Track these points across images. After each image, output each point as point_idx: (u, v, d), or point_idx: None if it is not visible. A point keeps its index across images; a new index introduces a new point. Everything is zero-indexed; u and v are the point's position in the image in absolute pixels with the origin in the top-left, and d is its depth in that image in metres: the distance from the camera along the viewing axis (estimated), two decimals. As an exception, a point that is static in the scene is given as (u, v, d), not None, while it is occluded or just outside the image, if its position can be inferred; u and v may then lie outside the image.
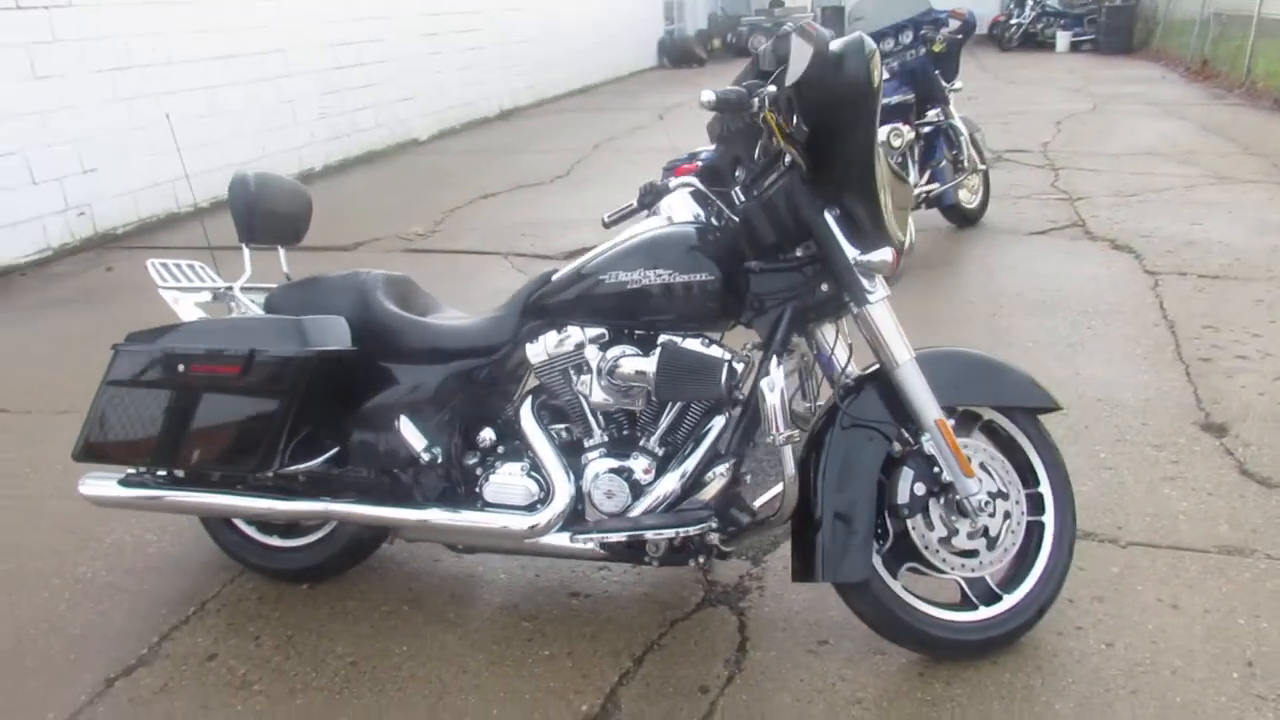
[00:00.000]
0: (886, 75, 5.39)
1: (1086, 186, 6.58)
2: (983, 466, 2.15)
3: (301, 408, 2.24)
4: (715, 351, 2.11)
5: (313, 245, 6.25)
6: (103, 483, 2.41)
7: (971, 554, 2.12)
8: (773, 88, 1.98)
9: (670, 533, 2.10)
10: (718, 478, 2.13)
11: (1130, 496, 2.78)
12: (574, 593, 2.47)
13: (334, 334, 2.25)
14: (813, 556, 2.03)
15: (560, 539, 2.17)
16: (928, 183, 5.40)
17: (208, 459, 2.26)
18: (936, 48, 5.37)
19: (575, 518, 2.22)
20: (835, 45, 1.89)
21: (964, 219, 5.73)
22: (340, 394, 2.33)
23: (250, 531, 2.55)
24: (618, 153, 8.99)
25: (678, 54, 17.55)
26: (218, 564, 2.63)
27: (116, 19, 6.48)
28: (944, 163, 5.43)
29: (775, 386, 1.96)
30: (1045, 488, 2.22)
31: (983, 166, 5.68)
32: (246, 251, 2.53)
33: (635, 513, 2.16)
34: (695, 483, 2.17)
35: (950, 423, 2.08)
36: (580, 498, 2.21)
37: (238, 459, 2.24)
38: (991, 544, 2.13)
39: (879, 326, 2.06)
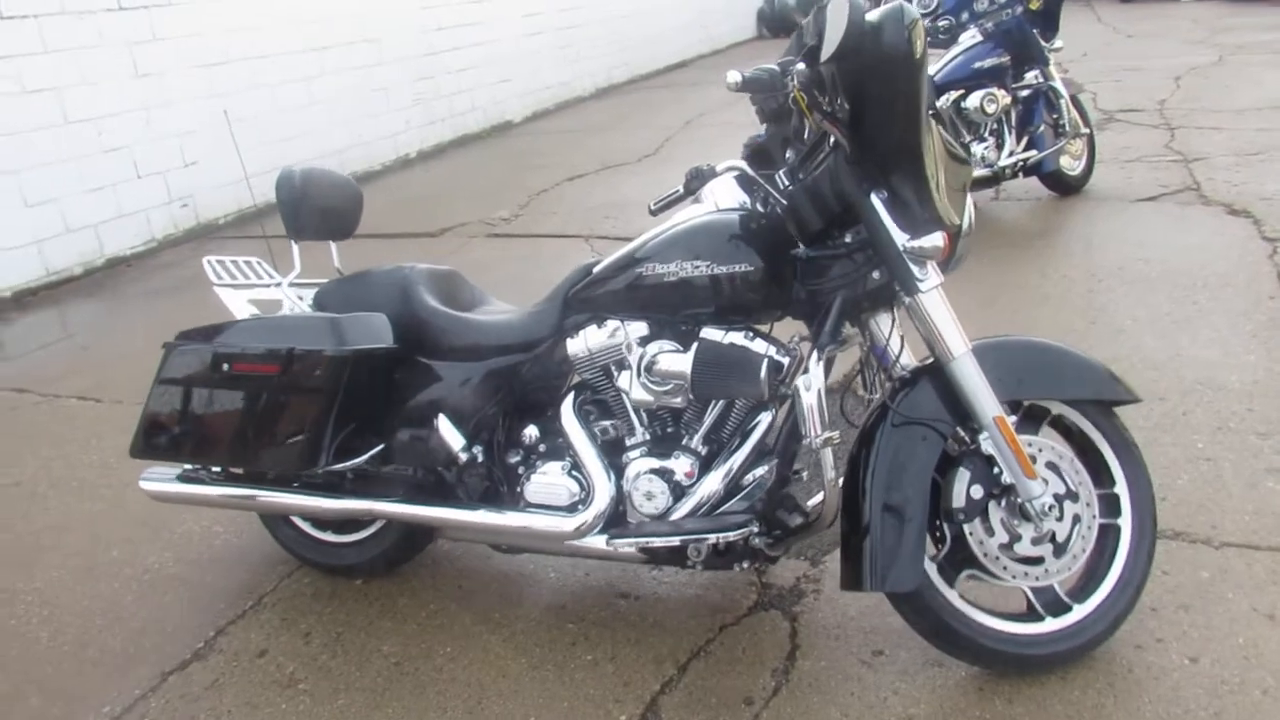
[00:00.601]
0: (979, 37, 5.11)
1: (1204, 146, 6.12)
2: (1050, 466, 1.98)
3: (344, 405, 2.24)
4: (757, 346, 2.01)
5: (400, 233, 6.39)
6: (162, 478, 2.46)
7: (1036, 561, 1.97)
8: (804, 65, 1.84)
9: (710, 538, 2.01)
10: (760, 479, 2.03)
11: (1229, 492, 2.55)
12: (623, 594, 2.41)
13: (372, 332, 2.23)
14: (860, 563, 1.91)
15: (598, 542, 2.11)
16: (1025, 149, 5.10)
17: (253, 457, 2.28)
18: (1034, 5, 5.05)
19: (617, 519, 2.15)
20: (873, 14, 1.75)
21: (1066, 187, 5.40)
22: (384, 391, 2.32)
23: (305, 527, 2.57)
24: (708, 129, 8.82)
25: (777, 23, 17.10)
26: (278, 557, 2.66)
27: (214, 15, 6.66)
28: (1042, 128, 5.11)
29: (811, 385, 1.84)
30: (1121, 488, 2.04)
31: (1085, 130, 5.33)
32: (295, 247, 2.53)
33: (677, 515, 2.08)
34: (739, 484, 2.08)
35: (1012, 419, 1.93)
36: (621, 498, 2.14)
37: (282, 457, 2.25)
38: (1059, 550, 1.97)
39: (932, 317, 1.91)
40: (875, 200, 1.89)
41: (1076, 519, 1.98)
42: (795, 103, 1.86)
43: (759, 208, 2.09)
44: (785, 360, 2.00)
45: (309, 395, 2.18)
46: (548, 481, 2.21)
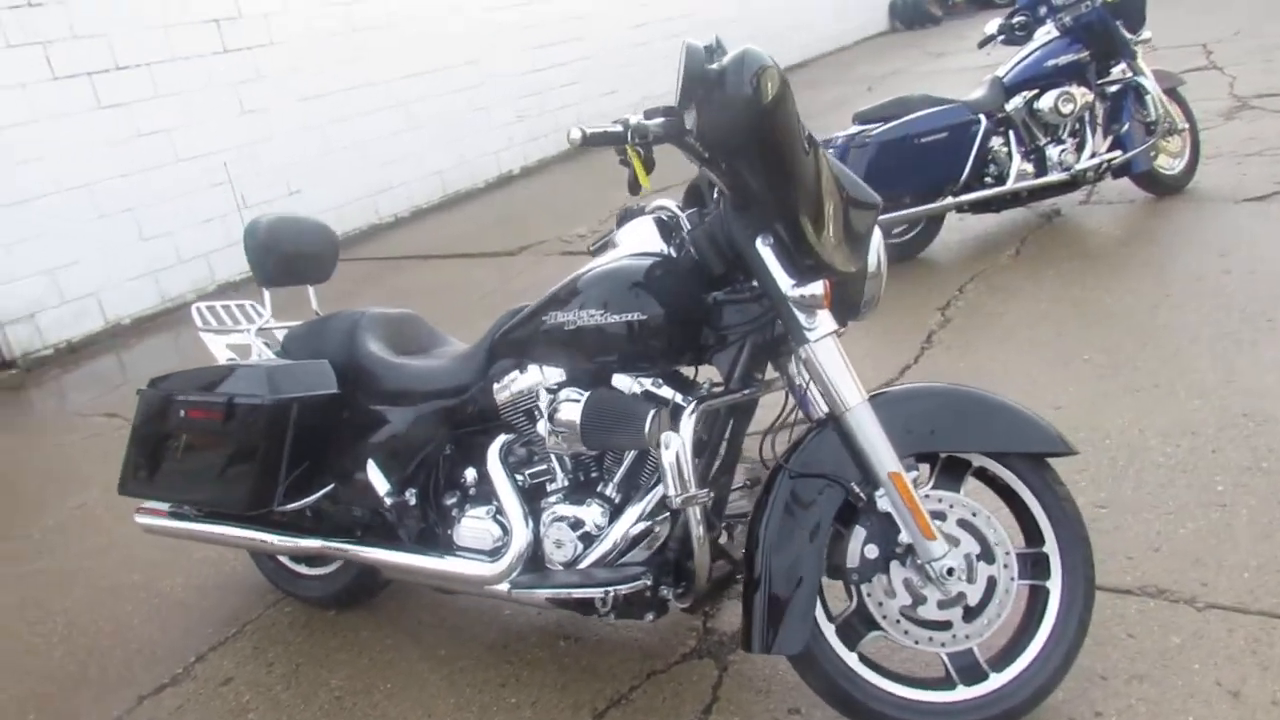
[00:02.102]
0: (1055, 32, 4.80)
1: (1340, 136, 5.53)
2: (962, 524, 1.86)
3: (293, 447, 2.33)
4: (641, 400, 1.96)
5: (479, 252, 6.58)
6: (153, 514, 2.63)
7: (942, 626, 1.84)
8: (635, 117, 1.80)
9: (596, 592, 1.98)
10: (657, 532, 1.99)
11: (1235, 544, 2.30)
12: (566, 635, 2.41)
13: (310, 380, 2.32)
14: (751, 622, 1.84)
15: (504, 589, 2.11)
16: (1110, 149, 4.75)
17: (211, 496, 2.41)
18: (1114, -4, 4.71)
19: (536, 564, 2.15)
20: (724, 61, 1.69)
21: (1163, 187, 4.99)
22: (332, 433, 2.40)
23: (284, 560, 2.70)
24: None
25: (910, 14, 16.53)
26: (269, 586, 2.80)
27: (314, 51, 7.05)
28: (1130, 126, 4.75)
29: (671, 444, 1.79)
30: (1051, 547, 1.88)
31: (1184, 126, 4.92)
32: (267, 294, 2.66)
33: (586, 563, 2.06)
34: (646, 533, 2.04)
35: (913, 475, 1.82)
36: (539, 544, 2.14)
37: (236, 496, 2.36)
38: (970, 614, 1.84)
39: (823, 367, 1.82)
40: (761, 246, 1.83)
41: (992, 581, 1.84)
42: (628, 160, 1.81)
43: (672, 252, 2.05)
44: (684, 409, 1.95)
45: (252, 440, 2.29)
46: (474, 525, 2.23)
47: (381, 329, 2.47)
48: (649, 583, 1.96)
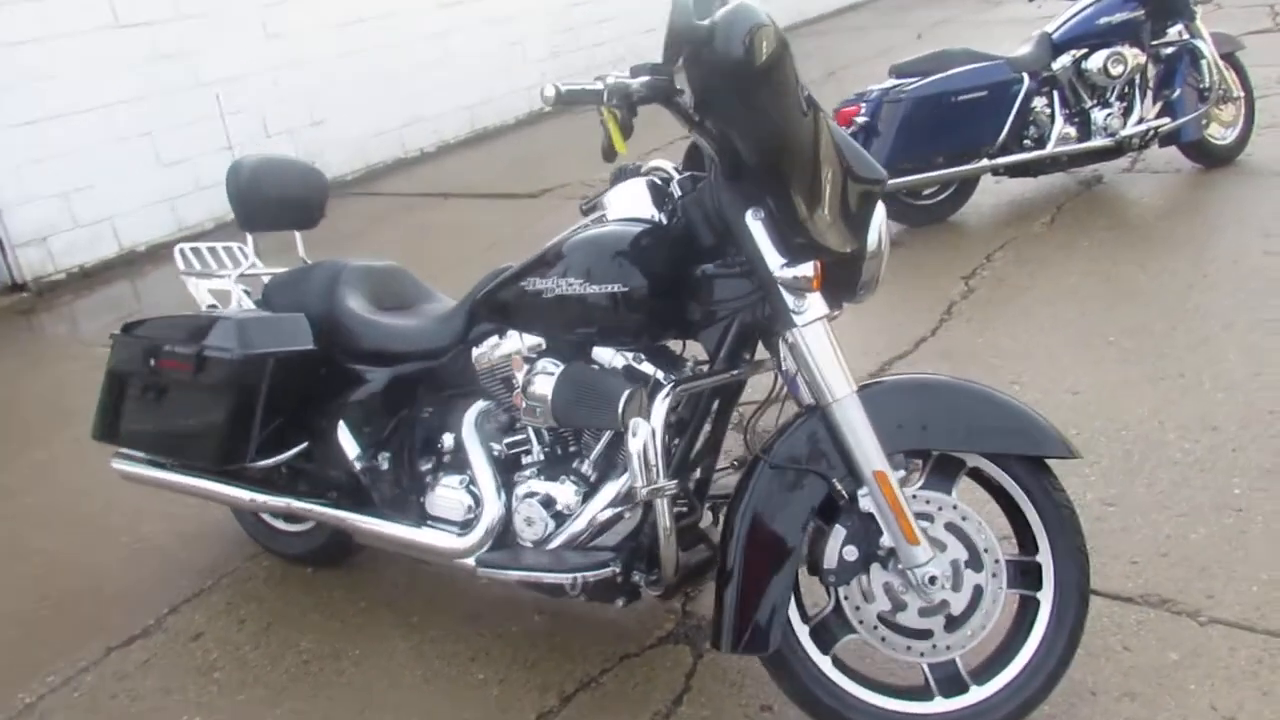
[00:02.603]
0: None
1: None
2: (950, 528, 1.74)
3: (267, 402, 2.25)
4: (617, 377, 1.85)
5: (501, 193, 6.43)
6: (130, 460, 2.57)
7: (923, 634, 1.74)
8: (612, 77, 1.66)
9: (563, 577, 1.89)
10: (626, 514, 1.89)
11: (1246, 553, 2.17)
12: (541, 609, 2.33)
13: (283, 335, 2.23)
14: (720, 619, 1.75)
15: (470, 565, 2.03)
16: (1159, 116, 4.50)
17: (181, 449, 2.35)
18: (1175, -51, 4.42)
19: (508, 539, 2.07)
20: (715, 16, 1.54)
21: (1213, 157, 4.73)
22: (307, 389, 2.31)
23: (264, 515, 2.63)
24: (849, 83, 8.32)
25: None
26: (248, 539, 2.75)
27: (344, -25, 6.87)
28: (1181, 91, 4.49)
29: (639, 431, 1.68)
30: (1044, 557, 1.76)
31: (1239, 93, 4.64)
32: (250, 239, 2.57)
33: (556, 542, 1.97)
34: (619, 517, 1.94)
35: (900, 474, 1.70)
36: (511, 519, 2.05)
37: (205, 451, 2.30)
38: (953, 624, 1.73)
39: (810, 353, 1.69)
40: (750, 220, 1.70)
41: (978, 590, 1.73)
42: (603, 121, 1.67)
43: (663, 219, 1.91)
44: (658, 391, 1.83)
45: (221, 394, 2.21)
46: (446, 494, 2.14)
47: (364, 282, 2.37)
48: (617, 570, 1.86)
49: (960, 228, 4.54)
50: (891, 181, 4.26)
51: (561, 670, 2.13)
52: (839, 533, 1.74)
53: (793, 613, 1.76)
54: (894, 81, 4.39)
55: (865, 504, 1.70)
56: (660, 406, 1.72)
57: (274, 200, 2.48)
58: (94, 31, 5.61)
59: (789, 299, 1.68)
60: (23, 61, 5.36)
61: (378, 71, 7.14)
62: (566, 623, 2.27)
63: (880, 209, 1.80)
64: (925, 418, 1.75)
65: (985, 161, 4.41)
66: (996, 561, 1.74)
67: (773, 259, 1.68)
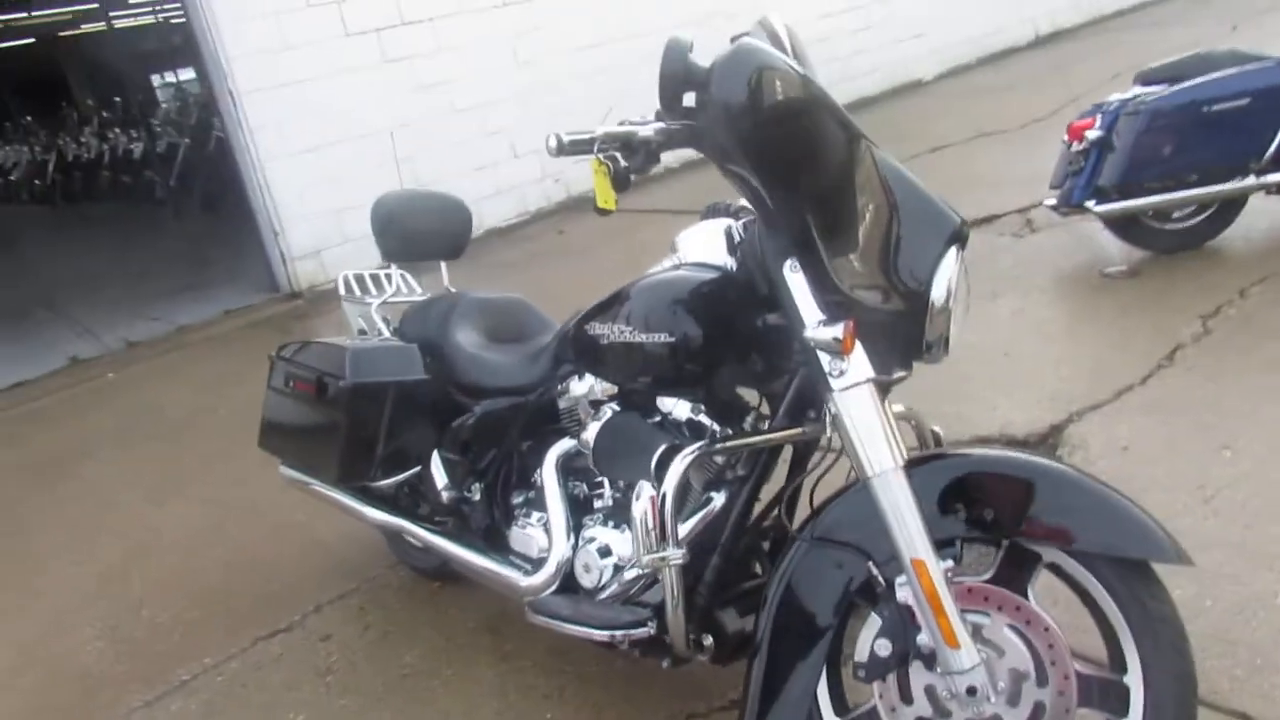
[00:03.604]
0: None
1: None
2: (1015, 631, 1.50)
3: (389, 427, 2.37)
4: (658, 432, 1.77)
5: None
6: (291, 469, 2.80)
7: (968, 751, 1.51)
8: (603, 127, 1.56)
9: (599, 634, 1.83)
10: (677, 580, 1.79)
11: None
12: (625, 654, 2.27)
13: (393, 365, 2.33)
14: (745, 701, 1.62)
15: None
16: None
17: (313, 465, 2.53)
18: None
19: (572, 584, 2.03)
20: (716, 57, 1.43)
21: None
22: (423, 417, 2.40)
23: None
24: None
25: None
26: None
27: (591, 2, 7.13)
28: None
29: (642, 494, 1.58)
30: (1134, 678, 1.47)
31: None
32: (395, 269, 2.71)
33: (607, 593, 1.92)
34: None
35: (947, 565, 1.48)
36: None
37: (328, 468, 2.45)
38: (1004, 745, 1.49)
39: (848, 419, 1.53)
40: (788, 272, 1.56)
41: (1039, 708, 1.48)
42: (594, 172, 1.58)
43: (733, 265, 1.81)
44: (692, 450, 1.72)
45: (334, 417, 2.34)
46: (525, 531, 2.15)
47: (477, 315, 2.43)
48: (652, 631, 1.78)
49: (1216, 256, 3.94)
50: (1131, 203, 3.82)
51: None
52: (874, 622, 1.56)
53: (825, 703, 1.60)
54: (1137, 90, 3.89)
55: (903, 595, 1.51)
56: (676, 468, 1.62)
57: (411, 232, 2.61)
58: (366, 68, 6.22)
59: (825, 361, 1.53)
60: (306, 97, 6.04)
61: (623, 91, 7.34)
62: (647, 671, 2.20)
63: (950, 257, 1.58)
64: (991, 502, 1.52)
65: (1252, 180, 3.79)
66: (1066, 677, 1.48)
67: (809, 316, 1.53)
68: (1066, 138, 4.04)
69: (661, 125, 1.56)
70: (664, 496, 1.61)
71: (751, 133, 1.44)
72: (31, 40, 18.88)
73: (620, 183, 1.55)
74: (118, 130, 12.61)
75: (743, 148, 1.46)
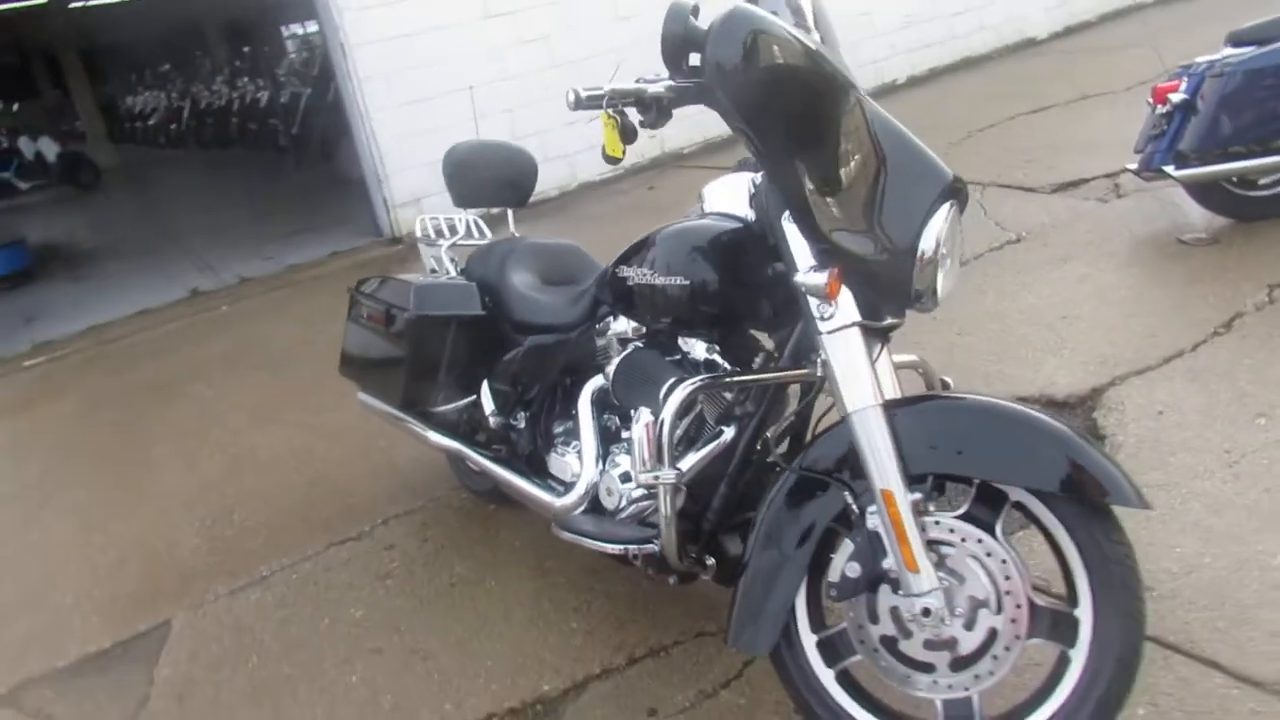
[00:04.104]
0: None
1: None
2: (977, 561, 1.62)
3: (451, 356, 2.59)
4: (670, 367, 1.93)
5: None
6: (367, 394, 3.07)
7: (925, 668, 1.64)
8: (612, 84, 1.69)
9: (611, 547, 2.01)
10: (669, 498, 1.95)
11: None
12: (651, 575, 2.46)
13: (452, 300, 2.55)
14: (730, 614, 1.79)
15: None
16: None
17: (382, 390, 2.77)
18: None
19: (599, 506, 2.23)
20: (712, 20, 1.56)
21: None
22: (480, 349, 2.62)
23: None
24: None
25: None
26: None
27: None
28: None
29: (643, 419, 1.75)
30: (1084, 612, 1.58)
31: None
32: (464, 213, 2.92)
33: (625, 514, 2.10)
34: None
35: (915, 496, 1.61)
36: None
37: (393, 393, 2.70)
38: (960, 664, 1.62)
39: (832, 361, 1.66)
40: (785, 222, 1.70)
41: (992, 633, 1.60)
42: (603, 125, 1.72)
43: (752, 215, 1.94)
44: (692, 386, 1.87)
45: (399, 347, 2.58)
46: (565, 457, 2.35)
47: (532, 259, 2.62)
48: (655, 548, 1.95)
49: (1299, 226, 3.83)
50: (1211, 169, 3.74)
51: (641, 634, 2.26)
52: (846, 547, 1.70)
53: (803, 620, 1.75)
54: (1226, 51, 3.79)
55: (873, 522, 1.64)
56: (676, 397, 1.78)
57: (485, 180, 2.80)
58: (468, 22, 6.45)
59: (813, 304, 1.66)
60: (412, 50, 6.31)
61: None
62: (669, 592, 2.39)
63: (943, 213, 1.67)
64: (963, 442, 1.63)
65: (1348, 146, 3.67)
66: (1019, 606, 1.59)
67: (802, 262, 1.66)
68: (1151, 100, 3.97)
69: (671, 83, 1.70)
70: (661, 423, 1.77)
71: (743, 92, 1.57)
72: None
73: (628, 135, 1.71)
74: (246, 79, 13.26)
75: (736, 107, 1.59)
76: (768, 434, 1.95)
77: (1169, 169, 3.82)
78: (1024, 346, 3.27)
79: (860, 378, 1.64)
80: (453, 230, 3.04)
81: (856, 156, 1.62)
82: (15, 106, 14.67)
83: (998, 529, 1.64)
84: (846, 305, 1.65)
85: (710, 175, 2.08)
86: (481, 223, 3.04)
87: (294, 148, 11.32)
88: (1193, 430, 2.59)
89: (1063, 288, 3.71)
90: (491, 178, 2.82)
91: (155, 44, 18.59)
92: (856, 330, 1.65)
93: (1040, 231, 4.37)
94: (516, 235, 2.87)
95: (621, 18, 6.99)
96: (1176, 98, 3.82)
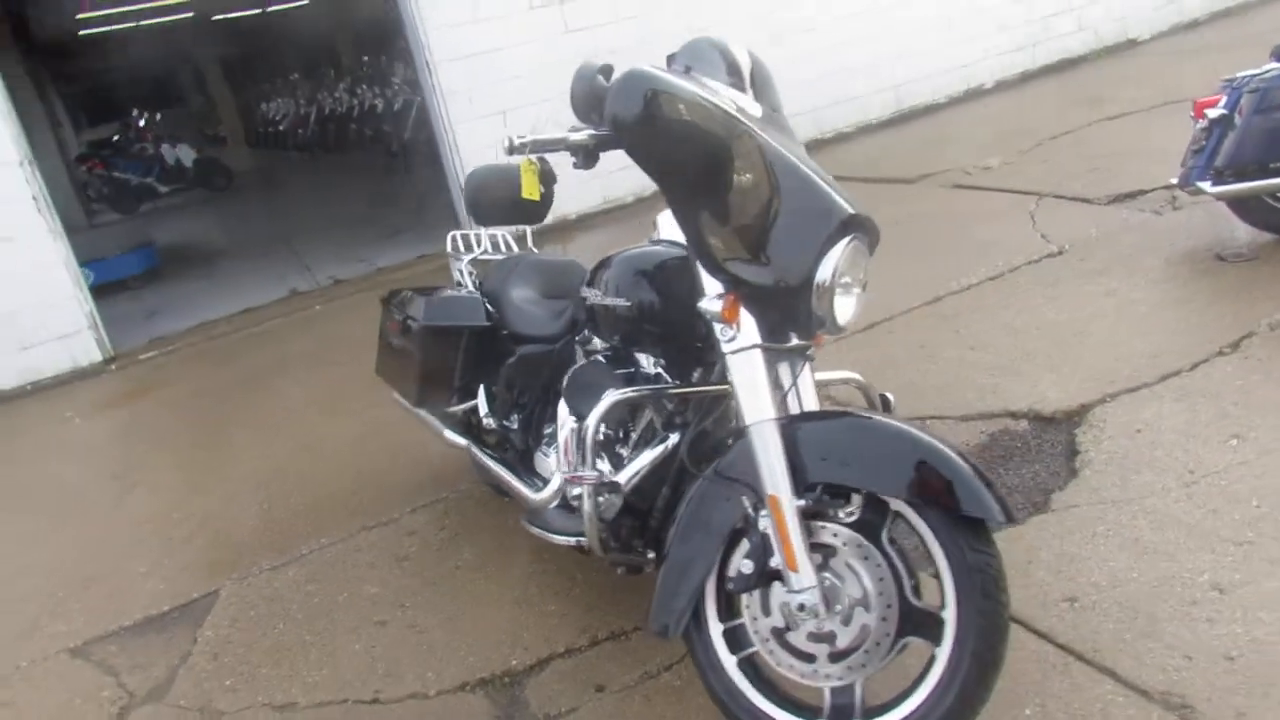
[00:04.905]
0: None
1: None
2: (851, 564, 1.78)
3: (463, 361, 2.88)
4: (614, 378, 2.14)
5: (880, 177, 6.46)
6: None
7: (807, 658, 1.82)
8: (534, 135, 1.90)
9: (556, 539, 2.24)
10: (608, 500, 2.16)
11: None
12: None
13: (459, 312, 2.82)
14: (651, 598, 2.00)
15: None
16: None
17: (404, 390, 3.07)
18: None
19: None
20: (615, 77, 1.77)
21: None
22: (485, 355, 2.89)
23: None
24: None
25: None
26: (484, 466, 3.43)
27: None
28: None
29: (565, 423, 1.96)
30: (949, 614, 1.72)
31: None
32: (482, 231, 3.19)
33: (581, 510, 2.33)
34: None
35: (800, 502, 1.78)
36: (574, 486, 2.44)
37: (409, 393, 3.00)
38: (837, 656, 1.79)
39: (734, 378, 1.86)
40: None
41: (864, 629, 1.76)
42: (521, 172, 1.93)
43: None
44: (622, 397, 2.08)
45: (411, 352, 2.88)
46: (548, 457, 2.60)
47: (533, 274, 2.87)
48: (579, 541, 2.17)
49: (1339, 245, 3.75)
50: (1246, 185, 3.71)
51: (607, 618, 2.49)
52: (744, 546, 1.88)
53: (712, 610, 1.94)
54: (1269, 66, 3.74)
55: (764, 524, 1.83)
56: (600, 406, 2.00)
57: (497, 200, 3.06)
58: (547, 38, 6.76)
59: (717, 328, 1.85)
60: (496, 65, 6.67)
61: (802, 55, 7.51)
62: (640, 581, 2.59)
63: (840, 245, 1.82)
64: (850, 455, 1.80)
65: (1393, 164, 3.58)
66: (888, 606, 1.75)
67: (709, 289, 1.86)
68: (1193, 114, 3.94)
69: (593, 131, 1.91)
70: (585, 428, 1.99)
71: (641, 142, 1.77)
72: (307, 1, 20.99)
73: (546, 179, 1.93)
74: (365, 87, 14.00)
75: (635, 154, 1.79)
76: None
77: (1205, 185, 3.80)
78: (1028, 362, 3.33)
79: (759, 394, 1.83)
80: (475, 245, 3.32)
81: (752, 195, 1.80)
82: (159, 115, 15.86)
83: (883, 535, 1.80)
84: (748, 328, 1.84)
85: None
86: (510, 238, 3.30)
87: (403, 153, 11.92)
88: (1164, 449, 2.64)
89: (1087, 303, 3.74)
90: (505, 198, 3.08)
91: (288, 54, 19.74)
92: (758, 351, 1.83)
93: (1084, 244, 4.37)
94: (534, 250, 3.13)
95: (695, 31, 7.16)
96: (1214, 113, 3.79)
